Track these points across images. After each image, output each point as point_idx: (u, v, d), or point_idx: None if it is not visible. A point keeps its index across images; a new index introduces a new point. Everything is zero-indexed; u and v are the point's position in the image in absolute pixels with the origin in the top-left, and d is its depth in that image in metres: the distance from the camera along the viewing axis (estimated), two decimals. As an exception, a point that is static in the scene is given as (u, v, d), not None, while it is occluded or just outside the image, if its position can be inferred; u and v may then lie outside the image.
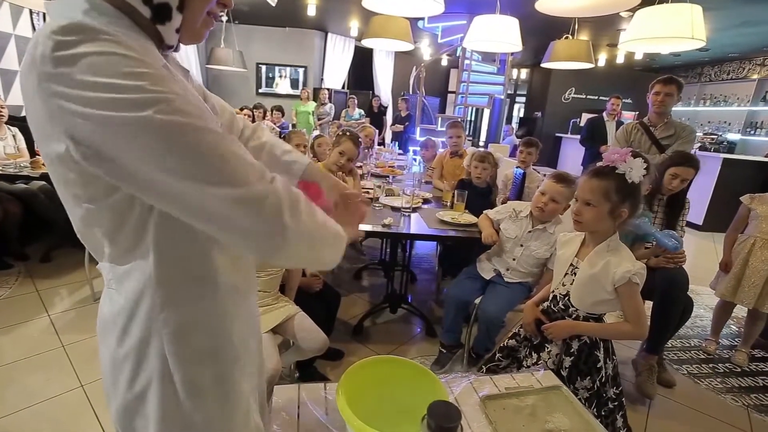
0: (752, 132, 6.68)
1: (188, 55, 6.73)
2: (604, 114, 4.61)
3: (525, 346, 1.34)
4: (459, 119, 5.26)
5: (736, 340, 2.53)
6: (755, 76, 6.84)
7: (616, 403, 1.20)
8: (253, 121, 5.22)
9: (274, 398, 0.84)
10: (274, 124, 5.93)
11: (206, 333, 0.60)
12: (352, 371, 0.80)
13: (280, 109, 6.25)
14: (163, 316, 0.56)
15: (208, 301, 0.60)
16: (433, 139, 3.71)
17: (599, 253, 1.18)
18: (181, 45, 0.59)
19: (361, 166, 3.81)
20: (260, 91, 7.73)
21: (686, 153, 2.07)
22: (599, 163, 1.18)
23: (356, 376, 0.80)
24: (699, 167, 1.96)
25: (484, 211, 2.01)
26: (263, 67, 7.59)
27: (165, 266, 0.55)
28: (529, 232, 1.83)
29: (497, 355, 1.38)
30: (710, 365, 2.28)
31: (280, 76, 7.65)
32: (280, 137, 2.63)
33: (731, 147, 6.42)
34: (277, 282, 1.54)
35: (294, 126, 6.15)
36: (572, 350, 1.20)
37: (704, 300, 3.02)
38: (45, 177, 2.64)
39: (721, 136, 6.71)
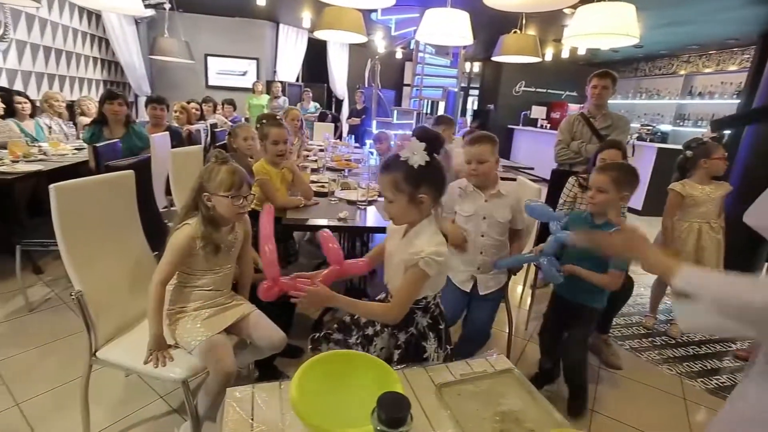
0: (681, 123, 7.25)
1: (128, 44, 6.30)
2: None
3: (357, 334, 1.22)
4: (414, 112, 5.30)
5: (671, 314, 2.76)
6: (682, 72, 7.40)
7: None
8: (202, 115, 4.96)
9: (226, 400, 0.81)
10: (226, 117, 5.70)
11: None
12: (307, 368, 0.79)
13: (231, 102, 6.02)
14: None
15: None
16: (386, 132, 3.72)
17: (409, 237, 1.11)
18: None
19: (310, 157, 3.73)
20: (210, 84, 7.41)
21: (613, 139, 2.16)
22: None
23: (312, 372, 0.79)
24: (625, 150, 2.03)
25: None
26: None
27: None
28: (486, 201, 1.72)
29: (334, 325, 1.30)
30: (649, 339, 2.47)
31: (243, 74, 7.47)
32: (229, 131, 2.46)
33: (664, 137, 6.92)
34: (230, 280, 1.48)
35: (247, 120, 5.93)
36: (399, 343, 1.13)
37: (643, 280, 3.25)
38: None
39: (655, 127, 7.22)
